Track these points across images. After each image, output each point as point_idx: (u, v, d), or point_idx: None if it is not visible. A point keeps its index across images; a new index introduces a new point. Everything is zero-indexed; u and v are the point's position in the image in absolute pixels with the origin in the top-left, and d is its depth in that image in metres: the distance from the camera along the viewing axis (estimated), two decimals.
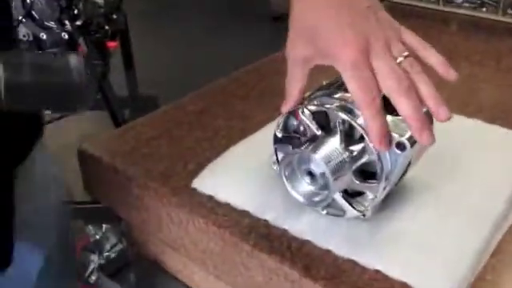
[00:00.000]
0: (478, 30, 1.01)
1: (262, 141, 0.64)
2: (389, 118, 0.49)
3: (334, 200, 0.51)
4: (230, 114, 0.73)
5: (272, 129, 0.54)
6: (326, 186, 0.49)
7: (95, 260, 1.68)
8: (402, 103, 0.45)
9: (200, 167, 0.62)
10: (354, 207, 0.51)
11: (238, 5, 3.51)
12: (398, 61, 0.47)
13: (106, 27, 1.50)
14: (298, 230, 0.52)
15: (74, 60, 0.44)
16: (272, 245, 0.51)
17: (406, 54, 0.47)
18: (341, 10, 0.48)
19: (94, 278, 1.47)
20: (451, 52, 0.91)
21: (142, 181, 0.61)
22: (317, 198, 0.50)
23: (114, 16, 1.66)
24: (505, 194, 0.54)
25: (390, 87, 0.45)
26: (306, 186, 0.51)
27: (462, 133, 0.64)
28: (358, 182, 0.49)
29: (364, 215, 0.51)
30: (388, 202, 0.53)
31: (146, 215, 0.62)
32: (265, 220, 0.53)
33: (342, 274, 0.48)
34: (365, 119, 0.46)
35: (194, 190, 0.59)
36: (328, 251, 0.50)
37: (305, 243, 0.51)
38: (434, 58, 0.50)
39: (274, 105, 0.71)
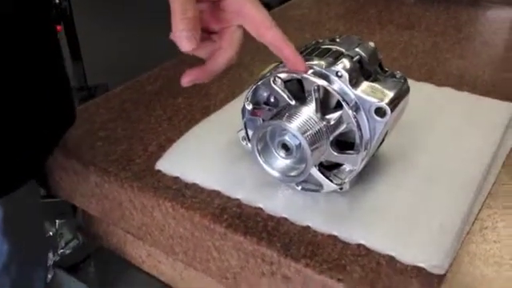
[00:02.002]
0: (437, 1, 1.00)
1: (227, 117, 0.61)
2: (365, 83, 0.46)
3: (309, 175, 0.48)
4: (190, 93, 0.69)
5: (237, 105, 0.51)
6: (302, 160, 0.46)
7: (50, 257, 1.61)
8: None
9: (162, 149, 0.58)
10: (331, 180, 0.48)
11: None
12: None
13: None
14: (274, 208, 0.48)
15: None
16: (246, 225, 0.48)
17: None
18: None
19: (49, 276, 1.40)
20: (413, 24, 0.90)
21: (100, 166, 0.56)
22: (293, 173, 0.47)
23: (57, 0, 1.58)
24: (482, 159, 0.53)
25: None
26: (280, 160, 0.47)
27: (433, 101, 0.62)
28: (335, 154, 0.46)
29: (341, 188, 0.49)
30: (364, 174, 0.51)
31: (106, 203, 0.58)
32: (237, 199, 0.50)
33: (324, 251, 0.45)
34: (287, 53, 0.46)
35: (158, 172, 0.55)
36: (306, 228, 0.47)
37: (281, 221, 0.48)
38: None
39: (236, 81, 0.67)
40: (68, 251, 1.56)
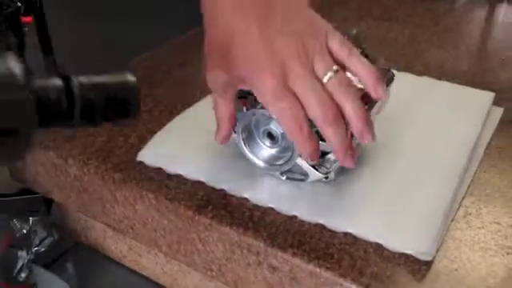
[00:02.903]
0: None
1: (209, 107, 0.60)
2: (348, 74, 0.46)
3: (295, 164, 0.47)
4: (170, 84, 0.68)
5: None
6: (287, 148, 0.46)
7: (23, 256, 1.57)
8: (328, 133, 0.42)
9: (143, 140, 0.56)
10: (316, 169, 0.47)
11: None
12: (325, 79, 0.42)
13: (19, 4, 1.38)
14: (259, 198, 0.48)
15: None
16: (232, 216, 0.47)
17: (334, 68, 0.43)
18: (251, 23, 0.42)
19: (23, 275, 1.37)
20: (390, 16, 0.90)
21: (78, 158, 0.55)
22: (278, 162, 0.47)
23: None
24: (465, 147, 0.53)
25: (315, 117, 0.42)
26: (265, 149, 0.47)
27: (414, 91, 0.62)
28: (321, 142, 0.46)
29: (327, 178, 0.49)
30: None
31: (85, 197, 0.56)
32: (221, 190, 0.49)
33: (311, 240, 0.45)
34: (296, 146, 0.44)
35: (140, 163, 0.53)
36: (293, 218, 0.47)
37: (267, 211, 0.47)
38: (361, 71, 0.44)
39: None
40: (43, 249, 1.53)
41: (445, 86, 0.64)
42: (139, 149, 0.55)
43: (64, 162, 0.56)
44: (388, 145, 0.54)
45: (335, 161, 0.48)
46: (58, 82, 0.34)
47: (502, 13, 0.94)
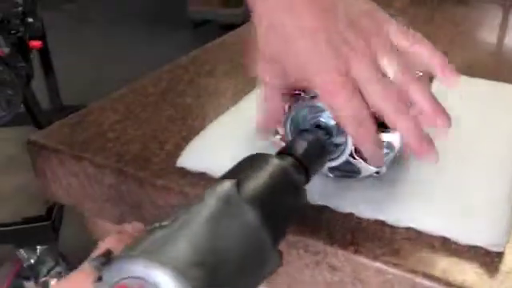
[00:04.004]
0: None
1: (247, 109, 0.58)
2: None
3: (345, 161, 0.45)
4: (197, 92, 0.66)
5: (251, 100, 0.49)
6: (337, 143, 0.44)
7: (31, 286, 1.52)
8: (400, 127, 0.41)
9: (179, 147, 0.54)
10: (368, 163, 0.46)
11: (157, 13, 3.41)
12: (390, 74, 0.41)
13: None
14: (311, 197, 0.46)
15: None
16: None
17: (397, 63, 0.41)
18: (312, 20, 0.41)
19: None
20: (410, 21, 0.90)
21: (115, 167, 0.53)
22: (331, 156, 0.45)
23: (30, 19, 1.53)
24: None
25: (384, 111, 0.40)
26: None
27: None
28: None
29: (378, 173, 0.47)
30: (397, 160, 0.49)
31: (123, 207, 0.54)
32: None
33: (372, 237, 0.43)
34: (364, 152, 0.43)
35: (181, 169, 0.51)
36: (348, 215, 0.45)
37: (321, 210, 0.45)
38: (429, 57, 0.43)
39: (242, 79, 0.66)
40: (52, 280, 1.48)
41: (482, 82, 0.63)
42: (177, 156, 0.53)
43: (99, 170, 0.53)
44: (436, 140, 0.52)
45: (386, 154, 0.46)
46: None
47: None
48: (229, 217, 0.31)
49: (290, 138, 0.45)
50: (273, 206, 0.34)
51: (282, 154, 0.39)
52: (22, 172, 1.38)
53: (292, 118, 0.45)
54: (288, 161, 0.38)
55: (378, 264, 0.40)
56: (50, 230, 1.42)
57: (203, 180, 0.50)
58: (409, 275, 0.39)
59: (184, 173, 0.51)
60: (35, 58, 1.75)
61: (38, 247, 1.48)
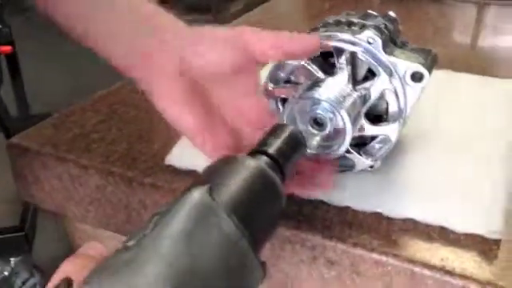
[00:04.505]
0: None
1: None
2: (396, 50, 0.44)
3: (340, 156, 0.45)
4: None
5: None
6: (337, 133, 0.43)
7: None
8: None
9: (167, 146, 0.53)
10: (363, 157, 0.45)
11: None
12: None
13: None
14: None
15: None
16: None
17: None
18: None
19: None
20: None
21: (101, 167, 0.51)
22: (327, 151, 0.44)
23: None
24: (506, 131, 0.52)
25: None
26: (311, 137, 0.44)
27: (437, 82, 0.62)
28: (371, 126, 0.44)
29: (372, 166, 0.46)
30: (389, 155, 0.48)
31: (109, 209, 0.52)
32: None
33: (370, 229, 0.42)
34: None
35: (169, 167, 0.50)
36: (345, 209, 0.44)
37: (317, 204, 0.45)
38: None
39: None
40: None
41: (466, 76, 0.63)
42: (164, 154, 0.52)
43: (84, 171, 0.52)
44: (425, 133, 0.52)
45: (380, 148, 0.46)
46: None
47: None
48: (204, 228, 0.27)
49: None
50: (251, 211, 0.30)
51: (254, 152, 0.36)
52: None
53: (287, 115, 0.44)
54: (262, 160, 0.35)
55: (375, 256, 0.40)
56: (24, 241, 1.39)
57: (192, 177, 0.48)
58: (407, 265, 0.39)
59: (172, 171, 0.50)
60: (2, 64, 1.71)
61: (12, 259, 1.43)
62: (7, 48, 1.26)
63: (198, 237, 0.27)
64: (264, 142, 0.36)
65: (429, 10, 0.96)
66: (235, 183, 0.31)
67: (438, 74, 0.64)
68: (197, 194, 0.28)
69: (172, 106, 0.41)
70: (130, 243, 0.26)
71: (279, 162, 0.35)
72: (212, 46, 0.41)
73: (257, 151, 0.36)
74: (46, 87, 2.35)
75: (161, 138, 0.55)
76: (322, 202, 0.45)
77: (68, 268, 0.29)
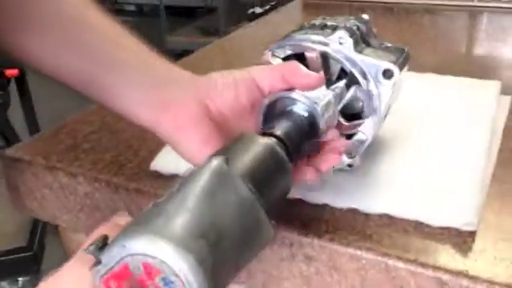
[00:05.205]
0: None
1: None
2: (367, 49, 0.45)
3: None
4: None
5: None
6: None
7: None
8: None
9: (153, 153, 0.54)
10: (342, 156, 0.46)
11: None
12: None
13: None
14: None
15: None
16: None
17: None
18: None
19: None
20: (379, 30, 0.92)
21: (89, 174, 0.53)
22: None
23: None
24: (484, 126, 0.53)
25: None
26: None
27: (421, 85, 0.62)
28: (346, 123, 0.45)
29: (350, 166, 0.47)
30: (367, 155, 0.49)
31: (97, 215, 0.53)
32: None
33: (346, 225, 0.43)
34: None
35: (155, 173, 0.51)
36: (323, 206, 0.45)
37: (295, 202, 0.45)
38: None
39: None
40: None
41: (450, 79, 0.64)
42: (151, 161, 0.53)
43: (73, 179, 0.53)
44: (405, 133, 0.53)
45: (358, 147, 0.46)
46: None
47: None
48: (222, 190, 0.31)
49: (261, 126, 0.45)
50: (263, 181, 0.34)
51: (264, 134, 0.39)
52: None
53: (267, 106, 0.45)
54: (272, 140, 0.38)
55: (351, 250, 0.40)
56: (32, 261, 1.40)
57: (176, 182, 0.49)
58: (381, 258, 0.39)
59: (157, 176, 0.51)
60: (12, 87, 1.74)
61: (20, 279, 1.45)
62: (14, 71, 1.29)
63: (218, 196, 0.31)
64: (272, 126, 0.40)
65: (421, 21, 0.97)
66: (249, 156, 0.35)
67: (422, 77, 0.65)
68: (215, 162, 0.32)
69: (201, 148, 0.41)
70: (160, 200, 0.30)
71: (286, 144, 0.38)
72: (225, 85, 0.43)
73: (265, 133, 0.39)
74: (56, 107, 2.39)
75: (148, 145, 0.56)
76: (301, 201, 0.45)
77: (101, 231, 0.32)
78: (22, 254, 1.38)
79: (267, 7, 2.69)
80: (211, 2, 3.41)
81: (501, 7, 0.98)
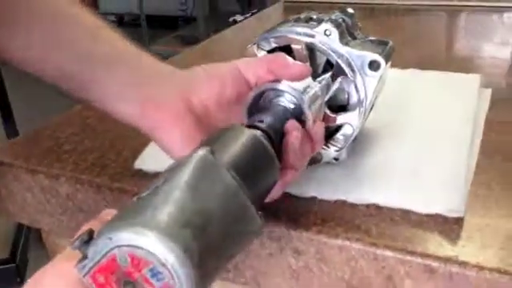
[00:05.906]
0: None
1: None
2: (353, 42, 0.45)
3: None
4: None
5: None
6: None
7: None
8: None
9: (137, 152, 0.54)
10: (329, 149, 0.46)
11: None
12: None
13: None
14: None
15: None
16: None
17: None
18: None
19: None
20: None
21: (70, 175, 0.52)
22: None
23: None
24: (466, 117, 0.53)
25: None
26: None
27: (404, 80, 0.63)
28: (333, 115, 0.45)
29: (337, 159, 0.47)
30: (354, 148, 0.49)
31: (80, 217, 0.52)
32: None
33: (334, 216, 0.42)
34: None
35: (138, 172, 0.51)
36: (311, 199, 0.45)
37: (282, 196, 0.45)
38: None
39: None
40: None
41: (433, 74, 0.65)
42: (134, 160, 0.52)
43: (55, 181, 0.52)
44: (391, 126, 0.53)
45: (345, 140, 0.46)
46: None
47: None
48: (208, 180, 0.31)
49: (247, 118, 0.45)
50: (248, 170, 0.34)
51: (249, 127, 0.38)
52: None
53: (253, 98, 0.44)
54: (257, 132, 0.38)
55: (340, 241, 0.40)
56: (15, 273, 1.37)
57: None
58: (370, 248, 0.39)
59: (141, 175, 0.50)
60: None
61: None
62: None
63: (204, 186, 0.31)
64: (257, 119, 0.39)
65: (402, 20, 0.98)
66: (234, 146, 0.35)
67: (405, 73, 0.66)
68: (201, 152, 0.32)
69: (184, 144, 0.41)
70: (144, 194, 0.30)
71: (271, 137, 0.38)
72: (210, 78, 0.42)
73: (250, 126, 0.39)
74: (36, 108, 2.36)
75: (131, 145, 0.55)
76: (289, 194, 0.45)
77: (88, 227, 0.31)
78: (5, 266, 1.35)
79: (248, 15, 2.70)
80: (191, 11, 3.41)
81: (479, 6, 0.99)
